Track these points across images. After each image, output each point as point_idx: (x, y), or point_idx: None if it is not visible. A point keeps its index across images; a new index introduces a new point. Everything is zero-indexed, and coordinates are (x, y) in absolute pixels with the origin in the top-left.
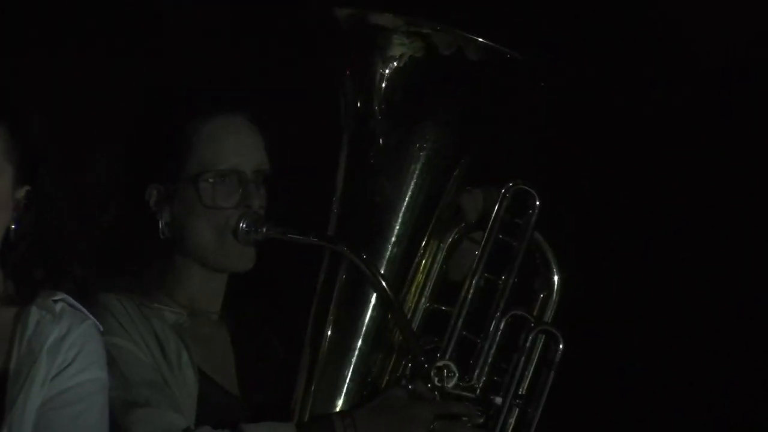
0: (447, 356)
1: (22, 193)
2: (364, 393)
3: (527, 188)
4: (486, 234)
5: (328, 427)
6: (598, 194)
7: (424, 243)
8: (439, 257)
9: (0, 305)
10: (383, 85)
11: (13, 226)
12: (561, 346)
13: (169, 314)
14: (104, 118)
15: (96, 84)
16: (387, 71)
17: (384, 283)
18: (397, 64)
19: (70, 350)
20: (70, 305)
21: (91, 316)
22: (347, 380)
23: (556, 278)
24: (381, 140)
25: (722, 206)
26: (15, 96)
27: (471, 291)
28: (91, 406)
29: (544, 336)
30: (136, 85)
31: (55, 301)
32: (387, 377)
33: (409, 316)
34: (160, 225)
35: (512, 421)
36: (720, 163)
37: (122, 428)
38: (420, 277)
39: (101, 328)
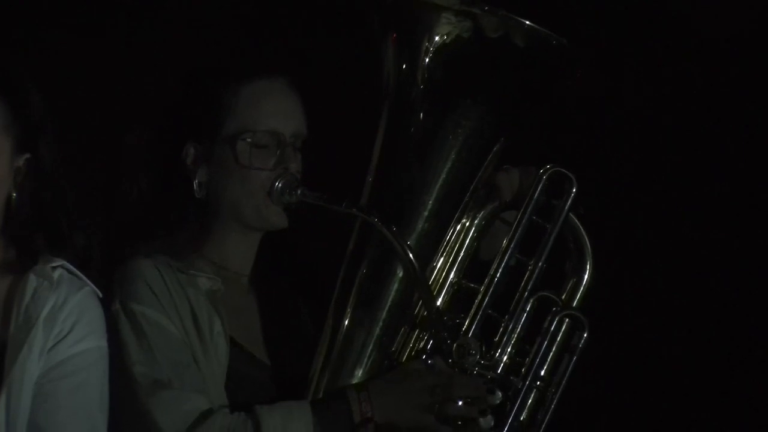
0: (470, 333)
1: (21, 161)
2: (384, 365)
3: (565, 171)
4: (520, 214)
5: (343, 402)
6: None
7: (456, 219)
8: (471, 234)
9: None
10: (426, 60)
11: (14, 194)
12: (586, 333)
13: (204, 281)
14: (133, 87)
15: (122, 53)
16: (432, 47)
17: (411, 257)
18: (443, 41)
19: (68, 319)
20: (69, 272)
21: (90, 283)
22: (369, 351)
23: (588, 263)
24: (420, 115)
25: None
26: (13, 69)
27: (500, 270)
28: (90, 376)
29: (568, 321)
30: (167, 51)
31: (54, 268)
32: (408, 351)
33: (436, 291)
34: (194, 184)
35: (530, 403)
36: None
37: (143, 407)
38: (450, 253)
39: (100, 295)
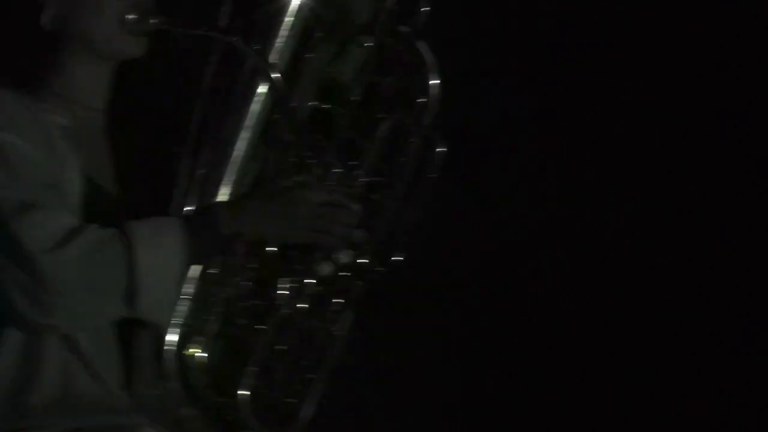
0: (332, 155)
1: None
2: (247, 186)
3: None
4: (375, 35)
5: (213, 217)
6: None
7: (312, 42)
8: (326, 57)
9: None
10: None
11: None
12: (440, 149)
13: (54, 117)
14: None
15: None
16: None
17: (274, 75)
18: None
19: None
20: None
21: None
22: (233, 171)
23: (431, 83)
24: None
25: None
26: None
27: (357, 92)
28: None
29: (424, 139)
30: None
31: None
32: (271, 172)
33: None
34: (43, 17)
35: (389, 222)
36: None
37: (10, 231)
38: (307, 76)
39: None
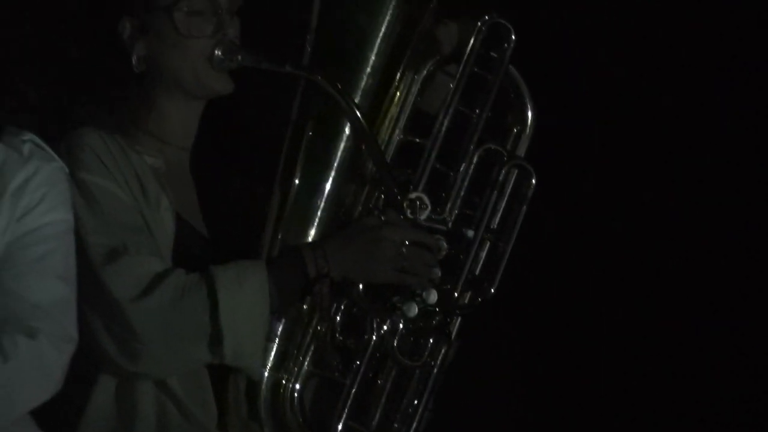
0: (420, 188)
1: None
2: (336, 224)
3: (503, 22)
4: (461, 67)
5: (298, 259)
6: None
7: (398, 75)
8: (414, 89)
9: None
10: None
11: None
12: (533, 181)
13: (147, 158)
14: None
15: None
16: None
17: (358, 113)
18: None
19: (37, 191)
20: (38, 146)
21: (58, 158)
22: (319, 211)
23: (529, 113)
24: None
25: None
26: None
27: (445, 123)
28: (57, 247)
29: (516, 170)
30: None
31: (23, 141)
32: (359, 209)
33: (382, 147)
34: (133, 59)
35: (483, 254)
36: None
37: (99, 278)
38: (394, 109)
39: (67, 170)
